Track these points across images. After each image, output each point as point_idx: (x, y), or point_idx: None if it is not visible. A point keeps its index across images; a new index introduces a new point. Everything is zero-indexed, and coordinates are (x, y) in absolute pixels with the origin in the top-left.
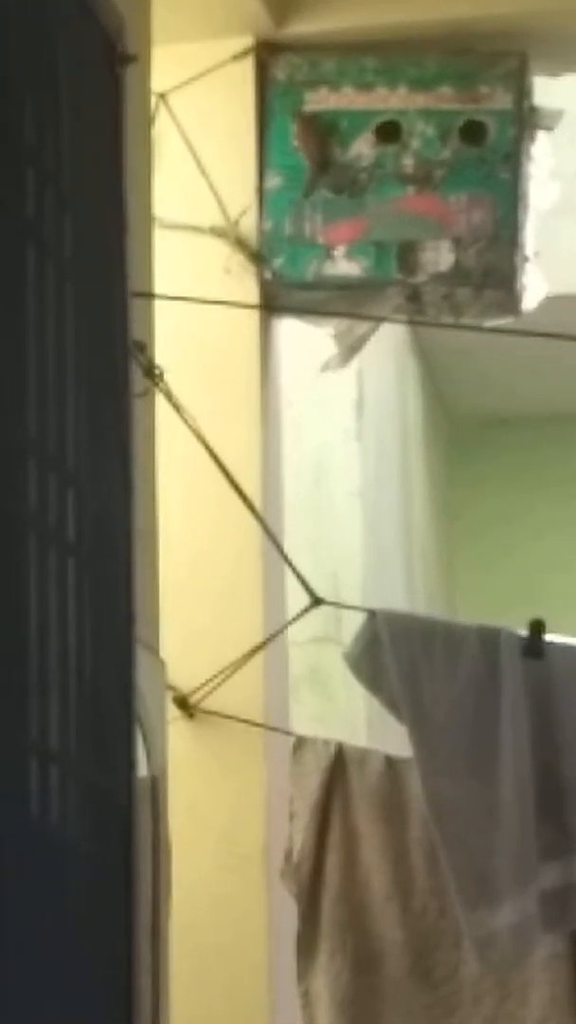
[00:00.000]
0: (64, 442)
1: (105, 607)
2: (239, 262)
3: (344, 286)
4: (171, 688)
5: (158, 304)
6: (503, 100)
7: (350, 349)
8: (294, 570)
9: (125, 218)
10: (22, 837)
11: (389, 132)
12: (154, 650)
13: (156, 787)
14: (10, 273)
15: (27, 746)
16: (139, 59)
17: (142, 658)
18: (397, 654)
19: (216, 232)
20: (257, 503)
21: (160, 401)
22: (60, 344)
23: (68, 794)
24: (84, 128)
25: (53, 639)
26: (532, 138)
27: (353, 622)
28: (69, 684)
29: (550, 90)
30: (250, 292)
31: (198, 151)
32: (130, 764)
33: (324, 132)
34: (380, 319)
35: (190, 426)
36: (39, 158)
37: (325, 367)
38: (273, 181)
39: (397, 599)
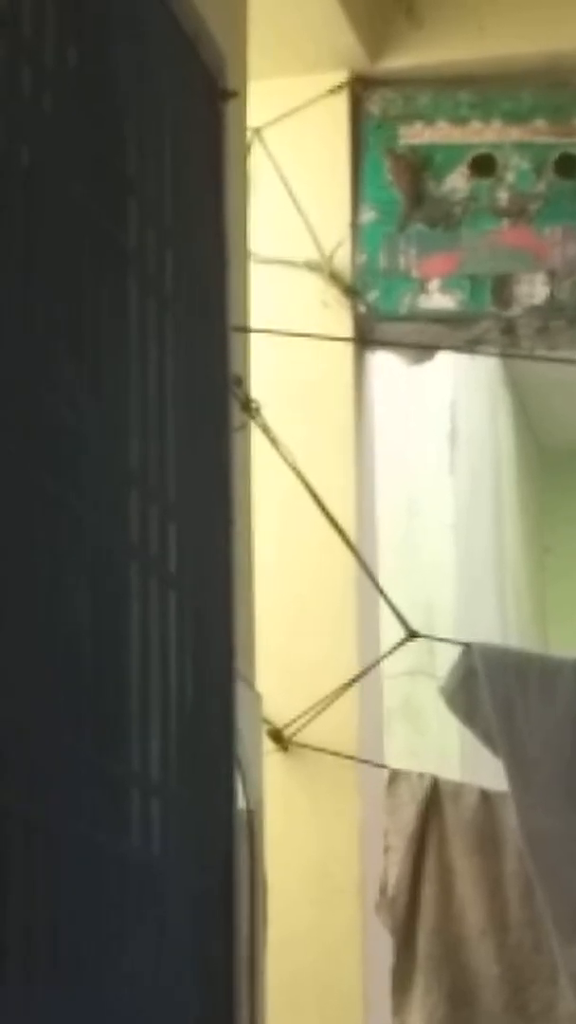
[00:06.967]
0: (165, 474)
1: (205, 640)
2: (333, 296)
3: (438, 319)
4: (265, 721)
5: (252, 338)
6: None
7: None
8: (389, 603)
9: (225, 252)
10: (125, 868)
11: (484, 165)
12: (250, 683)
13: (252, 820)
14: (113, 305)
15: (129, 777)
16: (237, 94)
17: (239, 691)
18: (492, 687)
19: (310, 266)
20: (352, 536)
21: (256, 435)
22: (161, 377)
23: (169, 826)
24: (185, 163)
25: (154, 671)
26: None
27: (446, 655)
28: (170, 716)
29: None
30: (344, 326)
31: (292, 185)
32: (229, 797)
33: (418, 166)
34: (474, 352)
35: (286, 460)
36: (142, 191)
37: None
38: (367, 215)
39: (490, 631)
